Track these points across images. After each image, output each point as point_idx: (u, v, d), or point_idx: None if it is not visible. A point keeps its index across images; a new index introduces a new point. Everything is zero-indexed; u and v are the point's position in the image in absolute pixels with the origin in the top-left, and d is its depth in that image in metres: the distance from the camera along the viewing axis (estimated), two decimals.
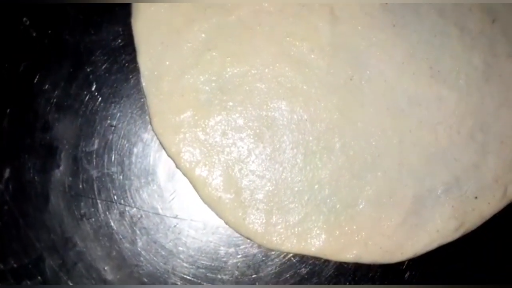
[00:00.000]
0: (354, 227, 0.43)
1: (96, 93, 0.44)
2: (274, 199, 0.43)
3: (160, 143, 0.43)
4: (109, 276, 0.43)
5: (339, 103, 0.43)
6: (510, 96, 0.44)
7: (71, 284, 0.43)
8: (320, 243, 0.42)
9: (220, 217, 0.43)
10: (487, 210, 0.44)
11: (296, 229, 0.43)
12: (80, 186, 0.44)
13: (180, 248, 0.44)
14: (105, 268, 0.43)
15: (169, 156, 0.43)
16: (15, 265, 0.43)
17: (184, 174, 0.43)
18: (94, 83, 0.44)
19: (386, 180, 0.43)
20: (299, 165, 0.43)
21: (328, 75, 0.43)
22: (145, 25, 0.43)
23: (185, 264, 0.44)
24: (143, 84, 0.43)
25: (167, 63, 0.43)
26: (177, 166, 0.42)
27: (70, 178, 0.44)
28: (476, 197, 0.44)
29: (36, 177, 0.43)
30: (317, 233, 0.43)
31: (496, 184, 0.44)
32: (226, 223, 0.42)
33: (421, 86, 0.43)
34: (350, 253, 0.43)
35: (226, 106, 0.43)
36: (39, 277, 0.43)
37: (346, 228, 0.43)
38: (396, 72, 0.43)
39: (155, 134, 0.43)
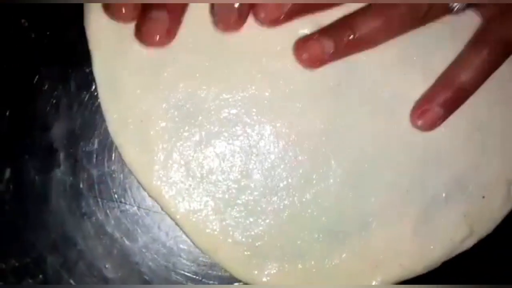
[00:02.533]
0: (371, 252, 0.40)
1: (96, 93, 0.44)
2: (281, 243, 0.39)
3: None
4: (110, 274, 0.44)
5: (326, 114, 0.40)
6: (504, 94, 0.42)
7: (72, 282, 0.43)
8: (344, 283, 0.39)
9: (227, 270, 0.40)
10: (497, 209, 0.42)
11: (315, 271, 0.39)
12: (81, 186, 0.44)
13: (181, 246, 0.44)
14: (106, 266, 0.44)
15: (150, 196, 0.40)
16: (16, 264, 0.43)
17: (173, 220, 0.40)
18: (93, 83, 0.44)
19: (387, 189, 0.40)
20: (299, 197, 0.39)
21: (312, 86, 0.40)
22: (99, 27, 0.39)
23: (186, 262, 0.44)
24: (102, 105, 0.40)
25: (124, 80, 0.39)
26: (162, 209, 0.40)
27: (71, 178, 0.44)
28: (483, 197, 0.42)
29: (36, 177, 0.44)
30: (338, 274, 0.40)
31: (500, 181, 0.42)
32: (233, 275, 0.40)
33: (412, 87, 0.41)
34: (375, 281, 0.40)
35: (201, 142, 0.39)
36: (40, 276, 0.43)
37: (365, 257, 0.40)
38: (386, 74, 0.41)
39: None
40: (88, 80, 0.44)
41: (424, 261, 0.41)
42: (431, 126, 0.41)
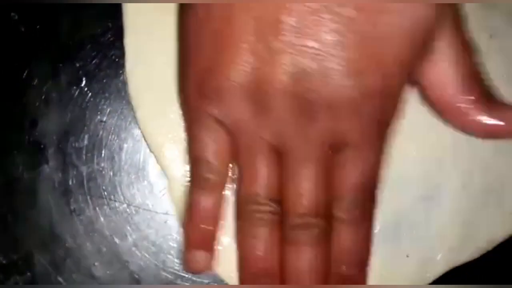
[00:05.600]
0: None
1: (86, 89, 0.44)
2: None
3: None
4: (99, 272, 0.43)
5: None
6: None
7: (61, 280, 0.43)
8: None
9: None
10: None
11: None
12: (70, 182, 0.43)
13: (171, 244, 0.44)
14: (95, 264, 0.43)
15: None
16: (4, 261, 0.43)
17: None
18: (83, 78, 0.44)
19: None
20: None
21: None
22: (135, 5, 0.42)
23: (175, 260, 0.44)
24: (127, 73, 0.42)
25: (150, 52, 0.42)
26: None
27: (60, 174, 0.43)
28: None
29: (24, 173, 0.43)
30: None
31: None
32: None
33: None
34: None
35: None
36: (28, 273, 0.43)
37: None
38: None
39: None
40: (78, 75, 0.44)
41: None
42: None
